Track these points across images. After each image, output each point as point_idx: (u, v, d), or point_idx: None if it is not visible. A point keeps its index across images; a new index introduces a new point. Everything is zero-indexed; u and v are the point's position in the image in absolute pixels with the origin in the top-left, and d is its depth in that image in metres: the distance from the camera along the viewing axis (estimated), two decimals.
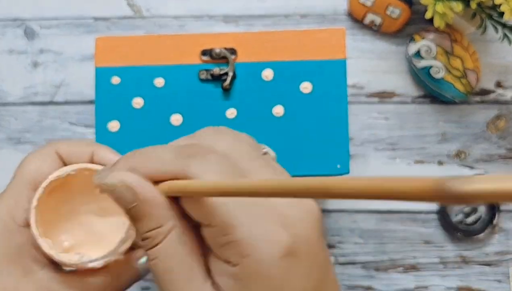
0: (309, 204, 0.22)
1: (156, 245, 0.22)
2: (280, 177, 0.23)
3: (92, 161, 0.33)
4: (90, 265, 0.31)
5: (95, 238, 0.34)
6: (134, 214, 0.22)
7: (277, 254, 0.21)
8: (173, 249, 0.22)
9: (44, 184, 0.31)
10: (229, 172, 0.22)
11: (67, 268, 0.32)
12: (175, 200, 0.22)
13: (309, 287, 0.21)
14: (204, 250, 0.23)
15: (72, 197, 0.34)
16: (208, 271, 0.22)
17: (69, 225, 0.34)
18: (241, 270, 0.21)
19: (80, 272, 0.32)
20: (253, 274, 0.21)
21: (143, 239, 0.22)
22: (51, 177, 0.31)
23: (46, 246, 0.30)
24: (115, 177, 0.22)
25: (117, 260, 0.31)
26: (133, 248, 0.33)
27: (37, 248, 0.31)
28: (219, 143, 0.24)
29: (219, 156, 0.22)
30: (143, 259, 0.33)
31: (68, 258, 0.31)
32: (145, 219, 0.22)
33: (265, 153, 0.26)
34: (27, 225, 0.31)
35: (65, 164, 0.33)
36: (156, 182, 0.22)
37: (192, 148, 0.23)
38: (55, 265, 0.32)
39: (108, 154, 0.33)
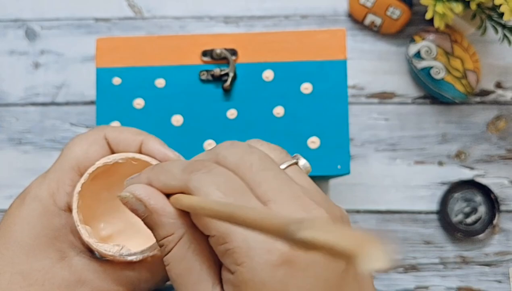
0: (318, 212, 0.22)
1: (169, 251, 0.23)
2: (288, 192, 0.23)
3: (140, 151, 0.32)
4: (129, 258, 0.30)
5: (133, 229, 0.33)
6: (148, 223, 0.24)
7: (272, 262, 0.21)
8: (182, 256, 0.23)
9: (90, 170, 0.30)
10: (227, 187, 0.22)
11: (101, 257, 0.31)
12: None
13: None
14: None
15: (114, 184, 0.33)
16: (220, 279, 0.23)
17: (109, 213, 0.34)
18: (237, 277, 0.21)
19: (116, 264, 0.31)
20: (248, 282, 0.21)
21: (160, 246, 0.24)
22: (98, 163, 0.30)
23: (86, 233, 0.30)
24: (128, 189, 0.24)
25: (154, 255, 0.30)
26: None
27: (75, 233, 0.30)
28: (230, 156, 0.24)
29: (223, 169, 0.23)
30: None
31: (106, 249, 0.30)
32: (158, 228, 0.24)
33: (293, 164, 0.25)
34: (68, 209, 0.30)
35: (112, 151, 0.32)
36: (171, 194, 0.24)
37: (198, 162, 0.23)
38: (91, 253, 0.31)
39: (156, 145, 0.32)
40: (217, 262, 0.23)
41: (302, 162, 0.27)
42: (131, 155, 0.31)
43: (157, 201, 0.24)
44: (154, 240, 0.29)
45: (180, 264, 0.23)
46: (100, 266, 0.31)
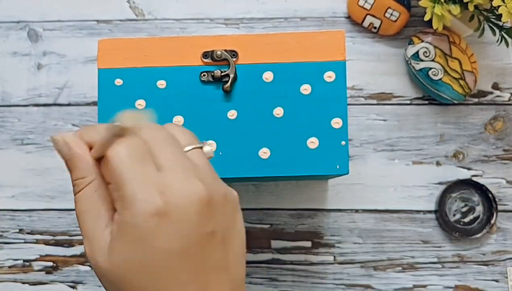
0: (197, 184, 0.27)
1: (79, 191, 0.28)
2: (183, 162, 0.28)
3: None
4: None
5: None
6: (68, 165, 0.29)
7: (148, 211, 0.26)
8: (89, 196, 0.28)
9: None
10: (136, 149, 0.28)
11: None
12: (100, 162, 0.28)
13: (175, 247, 0.26)
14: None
15: None
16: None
17: None
18: (121, 218, 0.26)
19: None
20: (127, 224, 0.26)
21: (73, 186, 0.29)
22: None
23: None
24: (61, 134, 0.29)
25: None
26: None
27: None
28: (145, 130, 0.29)
29: (136, 138, 0.28)
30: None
31: None
32: (74, 170, 0.28)
33: (197, 148, 0.30)
34: None
35: None
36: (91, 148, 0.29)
37: (122, 127, 0.28)
38: None
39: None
40: (112, 208, 0.28)
41: (207, 149, 0.32)
42: None
43: (80, 149, 0.28)
44: None
45: (86, 202, 0.28)
46: None
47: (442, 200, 0.55)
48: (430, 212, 0.56)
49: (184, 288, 0.27)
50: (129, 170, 0.27)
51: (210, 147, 0.32)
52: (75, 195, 0.29)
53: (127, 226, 0.26)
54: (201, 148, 0.31)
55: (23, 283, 0.56)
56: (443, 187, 0.56)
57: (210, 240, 0.28)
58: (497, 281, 0.55)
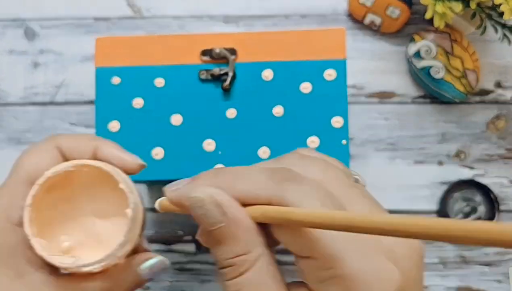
0: (413, 240, 0.20)
1: (241, 274, 0.20)
2: (377, 209, 0.21)
3: (95, 157, 0.31)
4: (86, 269, 0.29)
5: (95, 240, 0.33)
6: (218, 236, 0.20)
7: None
8: (260, 280, 0.20)
9: (40, 181, 0.29)
10: (326, 201, 0.20)
11: (65, 271, 0.30)
12: (263, 226, 0.20)
13: None
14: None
15: (73, 195, 0.32)
16: None
17: (70, 225, 0.33)
18: None
19: (77, 276, 0.30)
20: None
21: (225, 267, 0.20)
22: (48, 173, 0.29)
23: (39, 246, 0.29)
24: (204, 191, 0.20)
25: (116, 265, 0.29)
26: (135, 251, 0.31)
27: (32, 248, 0.29)
28: (310, 168, 0.21)
29: (315, 182, 0.20)
30: (147, 264, 0.31)
31: (61, 261, 0.29)
32: (231, 243, 0.20)
33: (357, 180, 0.24)
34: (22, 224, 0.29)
35: (66, 160, 0.31)
36: (244, 205, 0.20)
37: (286, 173, 0.20)
38: (52, 268, 0.30)
39: (111, 149, 0.30)
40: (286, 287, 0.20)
41: (358, 175, 0.26)
42: (81, 161, 0.30)
43: (238, 211, 0.20)
44: (112, 249, 0.29)
45: (256, 289, 0.20)
46: (61, 281, 0.29)
47: (444, 200, 0.55)
48: (432, 212, 0.56)
49: None
50: (341, 235, 0.19)
51: (359, 176, 0.26)
52: (231, 280, 0.20)
53: None
54: (357, 179, 0.25)
55: None
56: (445, 187, 0.55)
57: None
58: (499, 281, 0.55)
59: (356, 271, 0.18)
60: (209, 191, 0.20)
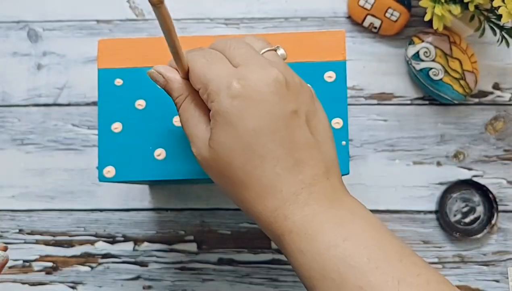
0: (273, 71, 0.31)
1: (180, 106, 0.34)
2: (258, 58, 0.32)
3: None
4: None
5: None
6: (167, 90, 0.34)
7: (230, 94, 0.30)
8: (187, 108, 0.34)
9: None
10: (213, 56, 0.32)
11: None
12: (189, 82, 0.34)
13: (260, 125, 0.30)
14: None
15: None
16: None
17: None
18: (213, 110, 0.31)
19: None
20: (219, 111, 0.30)
21: (176, 104, 0.34)
22: None
23: None
24: (154, 68, 0.35)
25: None
26: None
27: None
28: (218, 42, 0.34)
29: (211, 49, 0.34)
30: None
31: None
32: (173, 91, 0.34)
33: (271, 50, 0.34)
34: None
35: None
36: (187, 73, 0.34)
37: (197, 48, 0.34)
38: None
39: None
40: (208, 112, 0.33)
41: (281, 51, 0.35)
42: None
43: (170, 73, 0.34)
44: None
45: (186, 113, 0.33)
46: None
47: (442, 200, 0.55)
48: (430, 212, 0.56)
49: (277, 161, 0.30)
50: (210, 69, 0.31)
51: (283, 50, 0.35)
52: (178, 109, 0.34)
53: (218, 115, 0.31)
54: (275, 50, 0.35)
55: (23, 283, 0.56)
56: (443, 187, 0.56)
57: (294, 119, 0.31)
58: (497, 281, 0.55)
59: (214, 87, 0.31)
60: (156, 67, 0.35)
